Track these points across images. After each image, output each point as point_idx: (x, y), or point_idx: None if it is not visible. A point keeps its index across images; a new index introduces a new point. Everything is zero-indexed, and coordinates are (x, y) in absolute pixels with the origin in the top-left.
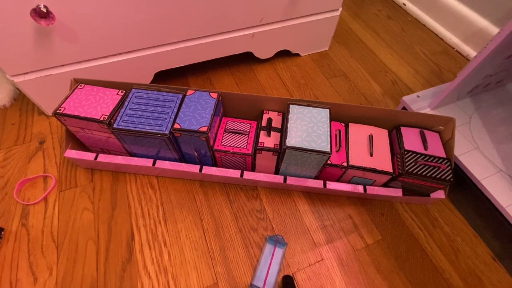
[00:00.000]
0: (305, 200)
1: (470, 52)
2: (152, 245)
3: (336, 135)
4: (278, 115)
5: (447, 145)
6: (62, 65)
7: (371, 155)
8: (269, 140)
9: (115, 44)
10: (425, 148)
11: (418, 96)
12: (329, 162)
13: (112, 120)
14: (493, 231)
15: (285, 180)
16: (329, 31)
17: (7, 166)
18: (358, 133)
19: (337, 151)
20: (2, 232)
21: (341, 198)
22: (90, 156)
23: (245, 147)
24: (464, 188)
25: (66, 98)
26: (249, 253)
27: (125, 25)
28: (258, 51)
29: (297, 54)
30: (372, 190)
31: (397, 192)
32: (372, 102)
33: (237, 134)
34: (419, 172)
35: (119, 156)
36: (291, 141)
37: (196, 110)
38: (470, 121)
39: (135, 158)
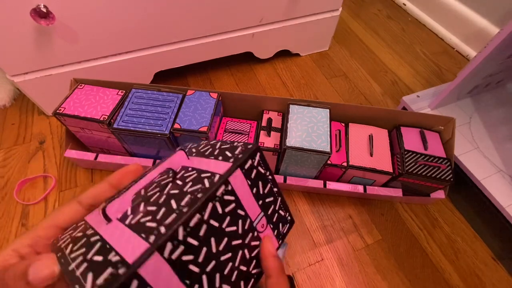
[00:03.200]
0: (305, 200)
1: (470, 52)
2: None
3: (336, 135)
4: (278, 115)
5: (447, 145)
6: (62, 65)
7: (371, 155)
8: (269, 140)
9: (115, 44)
10: (425, 148)
11: (418, 96)
12: (329, 162)
13: (112, 120)
14: (493, 231)
15: (285, 180)
16: (329, 31)
17: (7, 166)
18: (358, 133)
19: (337, 151)
20: None
21: (341, 198)
22: (90, 156)
23: None
24: (464, 188)
25: (66, 98)
26: None
27: (125, 25)
28: (258, 51)
29: (297, 54)
30: (372, 190)
31: (397, 192)
32: (372, 102)
33: (237, 134)
34: (419, 172)
35: (119, 156)
36: (291, 141)
37: (196, 110)
38: (470, 121)
39: (135, 158)
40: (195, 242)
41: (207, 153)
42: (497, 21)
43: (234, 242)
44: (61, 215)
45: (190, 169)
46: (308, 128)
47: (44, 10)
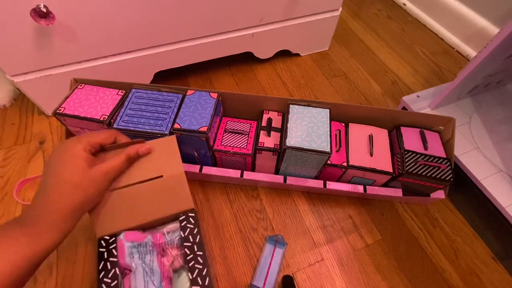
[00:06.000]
0: (305, 200)
1: (470, 52)
2: None
3: (336, 135)
4: (278, 115)
5: (447, 145)
6: (62, 65)
7: (371, 155)
8: (269, 140)
9: (115, 44)
10: (425, 148)
11: (418, 96)
12: (329, 162)
13: (112, 120)
14: (493, 231)
15: (285, 180)
16: (329, 31)
17: (7, 166)
18: (358, 133)
19: (337, 151)
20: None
21: (341, 198)
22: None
23: (245, 147)
24: (464, 188)
25: (66, 98)
26: (249, 253)
27: (125, 25)
28: (258, 51)
29: (297, 54)
30: (372, 190)
31: (397, 192)
32: (372, 102)
33: (237, 134)
34: (419, 172)
35: None
36: (291, 141)
37: (196, 110)
38: (470, 121)
39: None
40: None
41: None
42: (497, 21)
43: None
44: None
45: None
46: (308, 128)
47: (44, 10)
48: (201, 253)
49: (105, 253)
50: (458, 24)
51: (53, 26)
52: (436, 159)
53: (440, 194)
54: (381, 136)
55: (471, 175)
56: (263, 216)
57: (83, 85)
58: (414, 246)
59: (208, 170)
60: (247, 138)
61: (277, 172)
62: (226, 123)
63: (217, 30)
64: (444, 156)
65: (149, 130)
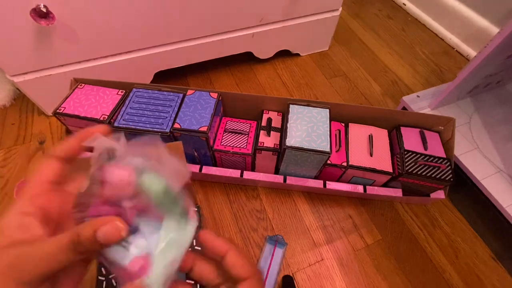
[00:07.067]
0: (305, 200)
1: (470, 52)
2: None
3: (336, 135)
4: (278, 115)
5: (447, 145)
6: (62, 65)
7: (371, 155)
8: (269, 140)
9: (115, 44)
10: (425, 148)
11: (418, 96)
12: (329, 162)
13: (112, 120)
14: (493, 231)
15: (285, 180)
16: (329, 31)
17: (7, 166)
18: (358, 133)
19: (337, 151)
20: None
21: (341, 198)
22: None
23: (245, 147)
24: (464, 188)
25: (66, 97)
26: (249, 253)
27: (125, 25)
28: (258, 51)
29: (297, 54)
30: (372, 190)
31: (397, 192)
32: (372, 102)
33: (237, 134)
34: (419, 172)
35: None
36: (291, 141)
37: (196, 110)
38: (470, 121)
39: None
40: None
41: None
42: (497, 21)
43: None
44: (49, 172)
45: None
46: (308, 128)
47: (44, 10)
48: (199, 248)
49: None
50: (458, 24)
51: (53, 26)
52: (436, 159)
53: (440, 194)
54: (381, 136)
55: (471, 175)
56: (263, 216)
57: (83, 85)
58: (414, 246)
59: (208, 170)
60: (247, 138)
61: (277, 172)
62: (226, 123)
63: (217, 30)
64: (444, 156)
65: (149, 128)
